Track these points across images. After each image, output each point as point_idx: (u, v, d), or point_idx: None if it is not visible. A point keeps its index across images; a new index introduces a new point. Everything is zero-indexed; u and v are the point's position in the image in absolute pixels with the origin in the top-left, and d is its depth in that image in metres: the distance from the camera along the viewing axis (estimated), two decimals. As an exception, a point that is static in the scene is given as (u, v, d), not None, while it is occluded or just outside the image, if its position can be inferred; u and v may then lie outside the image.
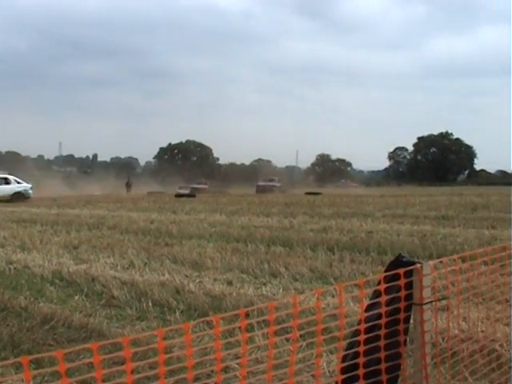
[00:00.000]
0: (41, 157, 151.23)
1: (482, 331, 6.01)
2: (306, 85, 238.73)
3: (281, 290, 10.56)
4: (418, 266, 4.35)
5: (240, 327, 3.50)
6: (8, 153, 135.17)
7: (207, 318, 4.10)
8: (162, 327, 8.28)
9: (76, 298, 10.34)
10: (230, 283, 11.27)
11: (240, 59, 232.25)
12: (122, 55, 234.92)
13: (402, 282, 4.23)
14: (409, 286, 4.32)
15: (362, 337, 4.09)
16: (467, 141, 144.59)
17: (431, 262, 4.56)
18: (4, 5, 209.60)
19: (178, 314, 9.05)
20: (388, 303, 4.24)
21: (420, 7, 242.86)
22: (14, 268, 13.41)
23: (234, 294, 10.04)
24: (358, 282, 4.19)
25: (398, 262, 4.45)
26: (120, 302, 9.93)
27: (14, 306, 9.73)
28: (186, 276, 11.94)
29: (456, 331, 5.64)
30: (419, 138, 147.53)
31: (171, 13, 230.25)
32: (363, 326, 4.13)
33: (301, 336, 4.70)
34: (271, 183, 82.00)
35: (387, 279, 4.29)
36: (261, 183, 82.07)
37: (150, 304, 9.60)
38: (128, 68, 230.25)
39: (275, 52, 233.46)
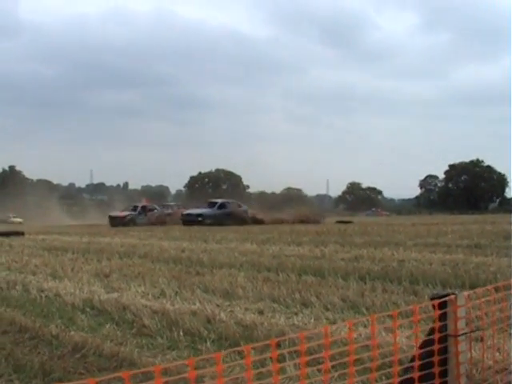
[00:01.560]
0: (72, 185, 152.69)
1: (517, 362, 5.92)
2: (334, 113, 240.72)
3: (312, 319, 10.48)
4: (453, 296, 4.31)
5: (271, 357, 3.47)
6: (39, 181, 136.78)
7: (238, 348, 4.06)
8: (193, 356, 8.26)
9: (107, 326, 10.33)
10: (261, 313, 11.21)
11: (268, 87, 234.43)
12: (151, 84, 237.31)
13: (437, 313, 4.19)
14: (443, 317, 4.29)
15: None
16: (499, 168, 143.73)
17: (465, 293, 4.51)
18: (31, 34, 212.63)
19: (209, 343, 9.01)
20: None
21: (444, 35, 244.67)
22: (46, 296, 13.45)
23: (266, 324, 9.97)
24: (391, 313, 4.15)
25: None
26: (151, 330, 9.91)
27: (45, 333, 9.75)
28: (217, 305, 11.90)
29: (490, 362, 5.56)
30: (450, 166, 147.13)
31: (199, 42, 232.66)
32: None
33: (332, 367, 4.65)
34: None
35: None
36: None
37: (181, 333, 9.56)
38: (157, 97, 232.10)
39: (303, 80, 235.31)
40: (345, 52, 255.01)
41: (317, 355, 3.94)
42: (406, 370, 4.22)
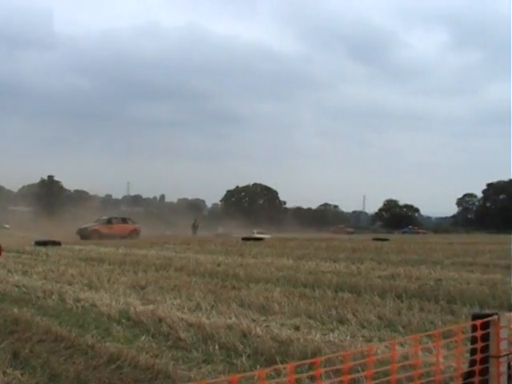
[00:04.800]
0: (108, 196, 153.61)
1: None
2: (368, 130, 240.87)
3: (348, 336, 10.39)
4: (496, 317, 4.25)
5: (314, 375, 3.43)
6: (76, 191, 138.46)
7: (280, 366, 4.03)
8: (229, 371, 8.24)
9: (142, 338, 10.33)
10: (297, 328, 11.14)
11: (302, 103, 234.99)
12: (186, 98, 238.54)
13: (479, 333, 4.14)
14: (485, 337, 4.23)
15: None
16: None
17: (508, 314, 4.44)
18: (66, 47, 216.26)
19: (244, 358, 8.96)
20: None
21: (476, 53, 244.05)
22: (82, 306, 13.50)
23: (301, 340, 9.90)
24: (432, 332, 4.10)
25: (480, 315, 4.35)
26: (186, 343, 9.89)
27: (81, 343, 9.78)
28: (253, 320, 11.85)
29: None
30: (488, 185, 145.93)
31: (231, 58, 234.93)
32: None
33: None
34: None
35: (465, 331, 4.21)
36: None
37: (217, 347, 9.53)
38: (192, 111, 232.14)
39: (335, 97, 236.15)
40: (375, 69, 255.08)
41: (357, 375, 3.89)
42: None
